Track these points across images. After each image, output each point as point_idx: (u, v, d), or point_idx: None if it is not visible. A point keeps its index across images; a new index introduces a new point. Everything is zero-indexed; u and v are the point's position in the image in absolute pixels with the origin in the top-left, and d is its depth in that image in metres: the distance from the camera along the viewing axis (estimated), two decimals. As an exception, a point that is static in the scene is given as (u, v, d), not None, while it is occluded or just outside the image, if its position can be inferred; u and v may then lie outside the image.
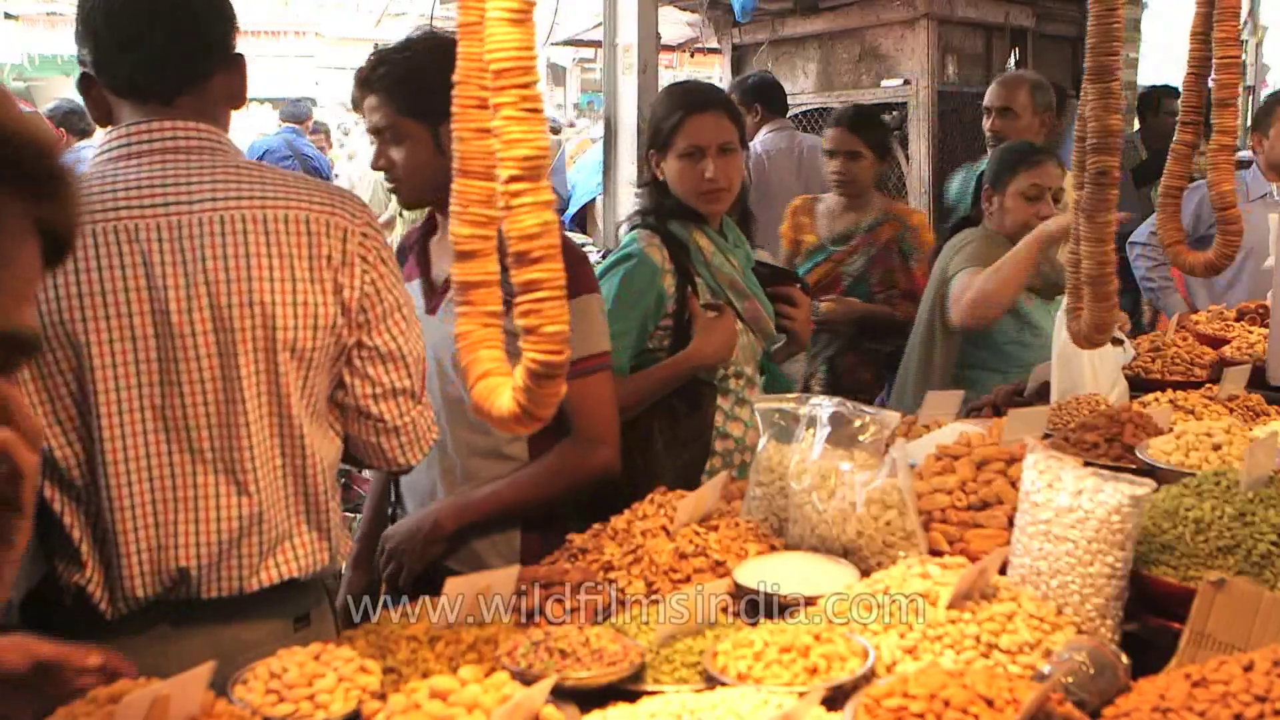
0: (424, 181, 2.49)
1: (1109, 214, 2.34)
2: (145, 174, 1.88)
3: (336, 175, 10.27)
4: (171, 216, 1.86)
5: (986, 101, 5.19)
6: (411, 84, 2.43)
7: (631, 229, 3.09)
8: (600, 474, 2.54)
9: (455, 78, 1.48)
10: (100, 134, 2.04)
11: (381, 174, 2.61)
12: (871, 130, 4.53)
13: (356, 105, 2.59)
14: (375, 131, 2.52)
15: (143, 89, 1.93)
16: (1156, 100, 7.43)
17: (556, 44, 11.35)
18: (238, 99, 2.05)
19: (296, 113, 10.31)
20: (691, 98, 3.05)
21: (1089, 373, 3.08)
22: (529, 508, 2.54)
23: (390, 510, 2.77)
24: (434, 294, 2.61)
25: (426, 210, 2.72)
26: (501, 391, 1.44)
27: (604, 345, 2.57)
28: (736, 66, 7.71)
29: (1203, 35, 2.84)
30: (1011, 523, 1.93)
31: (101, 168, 1.90)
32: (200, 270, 1.86)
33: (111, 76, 1.94)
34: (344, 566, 2.60)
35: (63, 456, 1.83)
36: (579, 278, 2.50)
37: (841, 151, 4.49)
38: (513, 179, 1.30)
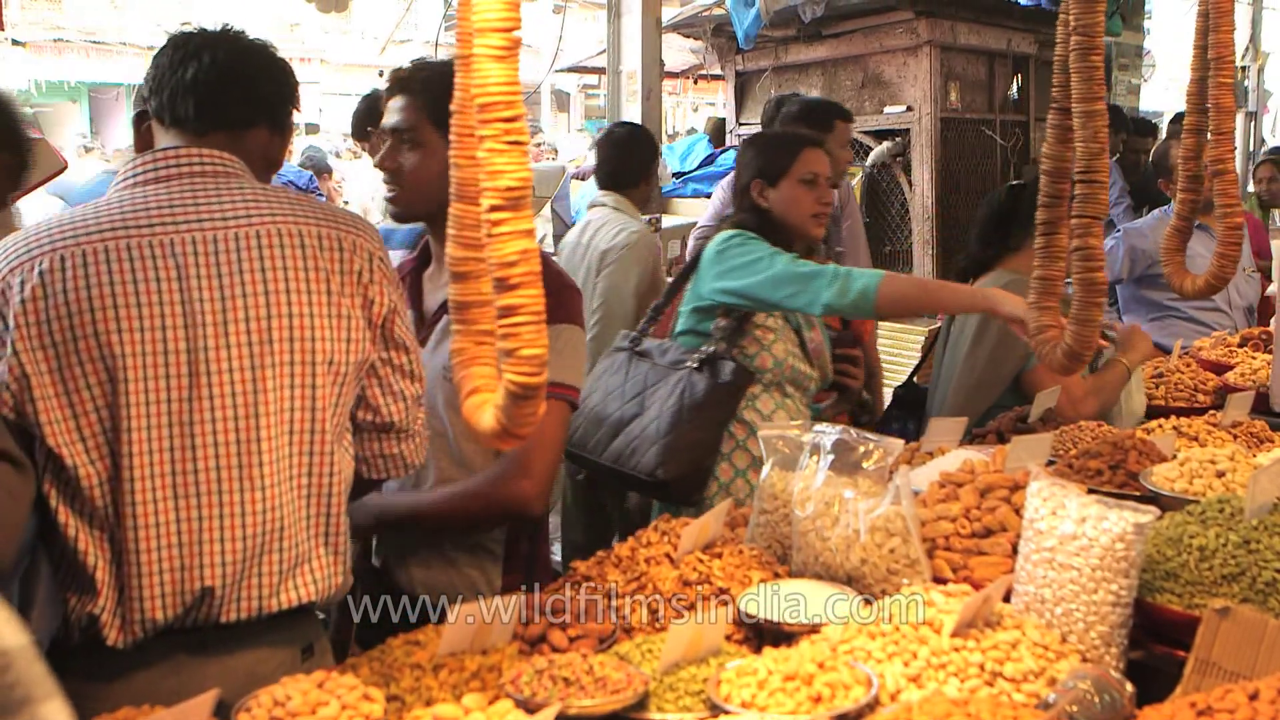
0: (425, 194, 2.45)
1: (1060, 234, 2.44)
2: (176, 194, 1.92)
3: (347, 202, 10.18)
4: (206, 232, 1.89)
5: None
6: (448, 94, 2.43)
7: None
8: (516, 507, 2.42)
9: (453, 107, 1.54)
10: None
11: (382, 177, 2.53)
12: None
13: (377, 112, 2.56)
14: (394, 131, 2.48)
15: (181, 117, 1.99)
16: (1125, 136, 7.41)
17: (561, 70, 11.41)
18: (275, 163, 2.13)
19: (316, 163, 10.21)
20: (804, 136, 3.48)
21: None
22: (445, 523, 2.47)
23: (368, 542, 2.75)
24: (424, 325, 2.61)
25: (420, 242, 2.73)
26: (486, 408, 1.49)
27: (568, 379, 2.47)
28: (740, 93, 7.75)
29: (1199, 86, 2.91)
30: (1015, 550, 1.93)
31: (129, 190, 1.94)
32: (237, 284, 1.87)
33: (158, 102, 2.01)
34: None
35: (85, 475, 1.81)
36: (562, 306, 2.49)
37: None
38: (495, 208, 1.34)
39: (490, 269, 1.36)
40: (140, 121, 2.07)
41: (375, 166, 2.56)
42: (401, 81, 2.49)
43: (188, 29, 2.09)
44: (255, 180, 2.02)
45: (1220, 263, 2.92)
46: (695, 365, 3.11)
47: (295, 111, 2.15)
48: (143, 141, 2.06)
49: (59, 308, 1.81)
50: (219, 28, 2.08)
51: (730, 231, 3.28)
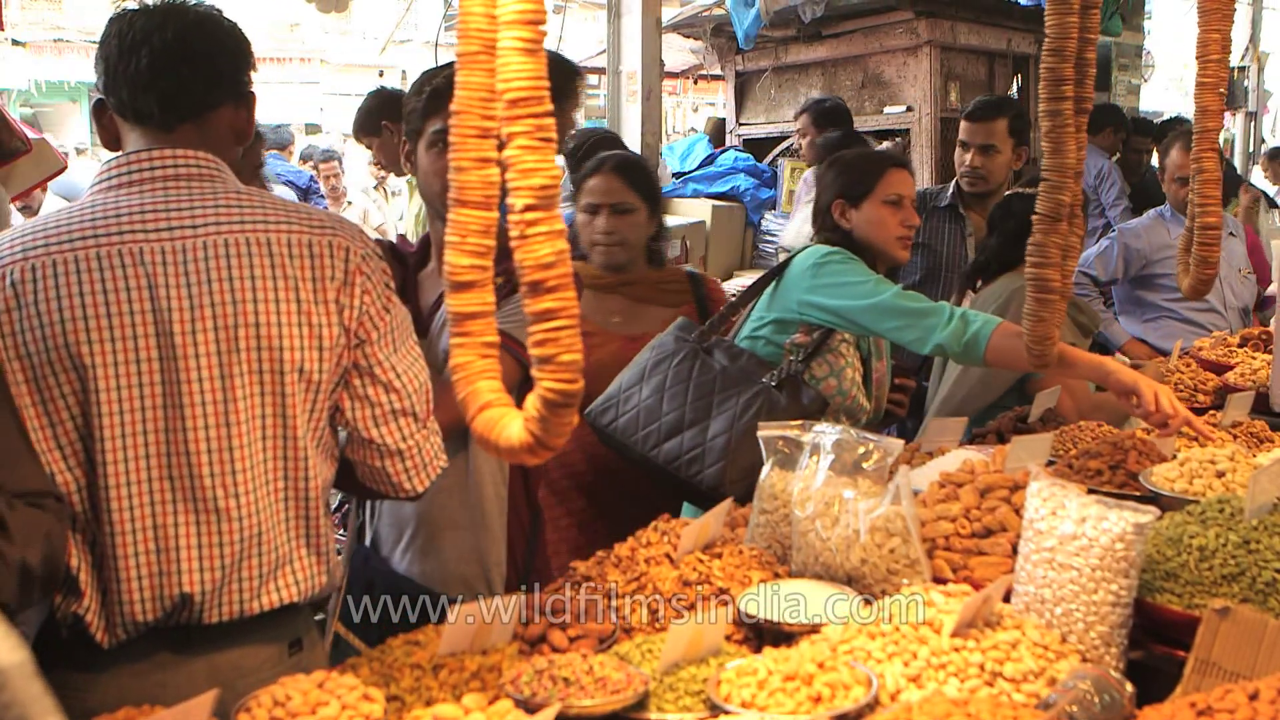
0: None
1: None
2: (148, 200, 1.90)
3: (350, 204, 10.05)
4: (176, 240, 1.88)
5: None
6: None
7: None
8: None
9: (454, 107, 1.49)
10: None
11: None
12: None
13: (426, 116, 2.52)
14: None
15: (145, 114, 1.95)
16: (1125, 135, 7.41)
17: (560, 70, 11.39)
18: (244, 135, 2.07)
19: (278, 140, 10.20)
20: (888, 156, 3.50)
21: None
22: None
23: (360, 526, 2.73)
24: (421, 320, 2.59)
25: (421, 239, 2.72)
26: (509, 422, 1.42)
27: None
28: (740, 93, 7.75)
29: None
30: (1015, 550, 1.93)
31: (103, 195, 1.92)
32: (205, 293, 1.86)
33: (117, 100, 1.97)
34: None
35: (63, 481, 1.83)
36: None
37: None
38: (528, 208, 1.29)
39: (523, 272, 1.30)
40: (101, 112, 2.02)
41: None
42: None
43: (129, 7, 2.01)
44: (232, 179, 1.99)
45: (1197, 266, 2.88)
46: (774, 383, 2.92)
47: (253, 72, 2.07)
48: (106, 133, 2.02)
49: (31, 319, 1.81)
50: (157, 2, 1.99)
51: (828, 247, 3.17)
